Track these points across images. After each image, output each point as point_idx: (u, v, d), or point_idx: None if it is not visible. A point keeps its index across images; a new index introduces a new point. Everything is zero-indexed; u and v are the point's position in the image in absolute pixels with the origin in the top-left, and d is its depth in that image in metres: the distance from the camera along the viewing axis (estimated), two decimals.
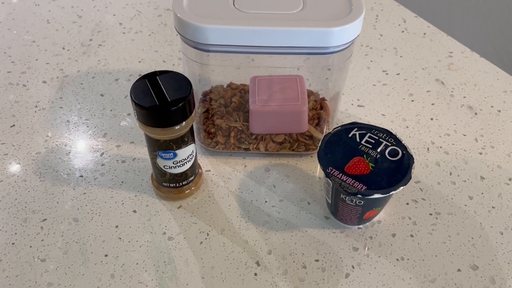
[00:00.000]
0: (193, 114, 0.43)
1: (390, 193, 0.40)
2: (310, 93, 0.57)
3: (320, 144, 0.44)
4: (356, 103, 0.61)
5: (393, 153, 0.43)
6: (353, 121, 0.48)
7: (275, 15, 0.43)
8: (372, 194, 0.40)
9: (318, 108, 0.55)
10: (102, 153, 0.54)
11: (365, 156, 0.43)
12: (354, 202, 0.42)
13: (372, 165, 0.42)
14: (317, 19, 0.42)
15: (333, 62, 0.49)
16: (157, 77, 0.42)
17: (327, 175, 0.42)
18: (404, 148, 0.44)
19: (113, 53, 0.67)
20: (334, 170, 0.42)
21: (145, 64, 0.66)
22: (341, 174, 0.42)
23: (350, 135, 0.45)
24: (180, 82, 0.42)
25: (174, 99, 0.41)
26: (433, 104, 0.61)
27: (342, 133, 0.45)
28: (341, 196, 0.42)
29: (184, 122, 0.42)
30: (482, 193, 0.51)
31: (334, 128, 0.46)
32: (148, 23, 0.72)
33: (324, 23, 0.42)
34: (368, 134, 0.45)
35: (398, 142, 0.44)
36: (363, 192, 0.40)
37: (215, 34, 0.42)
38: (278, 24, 0.42)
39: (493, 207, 0.50)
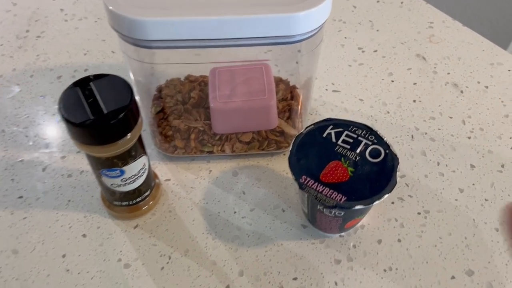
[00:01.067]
0: (138, 123, 0.36)
1: (374, 203, 0.35)
2: (279, 81, 0.50)
3: (291, 147, 0.38)
4: (330, 87, 0.55)
5: (375, 153, 0.37)
6: (328, 117, 0.41)
7: (228, 1, 0.36)
8: (353, 206, 0.35)
9: (289, 98, 0.49)
10: (45, 168, 0.47)
11: (343, 159, 0.37)
12: (333, 213, 0.37)
13: (352, 169, 0.36)
14: (279, 4, 0.35)
15: (302, 48, 0.42)
16: (91, 83, 0.35)
17: (301, 186, 0.36)
18: (386, 146, 0.38)
19: (54, 46, 0.59)
20: (308, 179, 0.36)
21: (92, 56, 0.58)
22: (316, 184, 0.36)
23: (324, 135, 0.39)
24: (119, 87, 0.35)
25: (112, 110, 0.34)
26: (415, 83, 0.55)
27: (315, 133, 0.39)
28: (318, 207, 0.37)
29: (128, 135, 0.36)
30: (473, 184, 0.46)
31: (306, 127, 0.39)
32: (94, 7, 0.64)
33: (287, 8, 0.35)
34: (345, 132, 0.39)
35: (379, 139, 0.38)
36: (343, 204, 0.35)
37: (157, 28, 0.35)
38: (232, 12, 0.34)
39: (486, 200, 0.45)
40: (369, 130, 0.39)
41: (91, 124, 0.33)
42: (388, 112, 0.52)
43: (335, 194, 0.35)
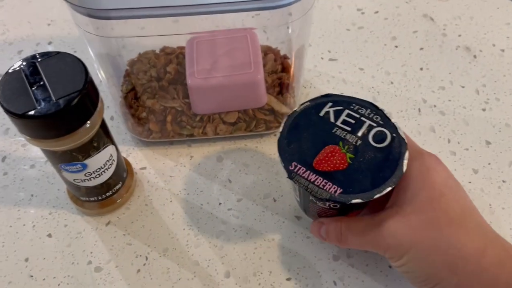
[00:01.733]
0: (99, 109, 0.31)
1: (374, 197, 0.30)
2: (267, 51, 0.44)
3: (281, 129, 0.33)
4: (327, 56, 0.49)
5: (380, 137, 0.31)
6: (326, 92, 0.35)
7: None
8: (350, 200, 0.29)
9: (279, 71, 0.43)
10: (4, 157, 0.42)
11: (341, 143, 0.31)
12: (328, 205, 0.31)
13: (351, 156, 0.31)
14: None
15: (293, 11, 0.36)
16: (37, 64, 0.29)
17: (290, 175, 0.30)
18: (394, 129, 0.32)
19: (14, 16, 0.52)
20: (299, 167, 0.30)
21: (56, 26, 0.51)
22: (308, 172, 0.30)
23: (321, 114, 0.33)
24: (71, 67, 0.29)
25: (61, 96, 0.28)
26: (421, 48, 0.49)
27: (311, 111, 0.33)
28: (311, 198, 0.32)
29: (87, 124, 0.30)
30: (489, 164, 0.41)
31: (301, 105, 0.33)
32: None
33: None
34: (346, 111, 0.33)
35: (386, 120, 0.32)
36: (337, 198, 0.29)
37: None
38: None
39: (503, 181, 0.40)
40: (375, 109, 0.33)
41: (38, 114, 0.27)
42: (392, 83, 0.46)
43: (329, 185, 0.30)
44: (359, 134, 0.31)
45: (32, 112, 0.27)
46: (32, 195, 0.39)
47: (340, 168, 0.30)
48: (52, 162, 0.33)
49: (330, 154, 0.31)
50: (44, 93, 0.28)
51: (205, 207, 0.39)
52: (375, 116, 0.32)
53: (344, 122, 0.32)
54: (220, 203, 0.39)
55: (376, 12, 0.53)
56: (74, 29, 0.51)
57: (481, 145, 0.42)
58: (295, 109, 0.33)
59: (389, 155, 0.31)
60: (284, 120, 0.33)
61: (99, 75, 0.39)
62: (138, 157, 0.41)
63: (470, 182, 0.40)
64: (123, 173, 0.37)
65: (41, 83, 0.29)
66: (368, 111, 0.33)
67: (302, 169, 0.30)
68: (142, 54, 0.43)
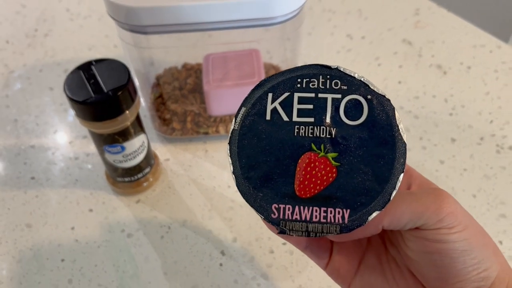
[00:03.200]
0: (136, 102, 0.40)
1: (392, 198, 0.23)
2: (270, 67, 0.54)
3: (232, 168, 0.24)
4: None
5: (354, 110, 0.23)
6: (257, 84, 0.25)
7: None
8: (366, 219, 0.23)
9: None
10: (54, 152, 0.51)
11: (313, 146, 0.23)
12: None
13: (334, 155, 0.23)
14: None
15: (287, 33, 0.45)
16: (93, 66, 0.39)
17: (279, 226, 0.23)
18: (363, 87, 0.24)
19: (61, 43, 0.63)
20: (282, 207, 0.23)
21: (96, 50, 0.62)
22: (297, 209, 0.23)
23: (268, 117, 0.24)
24: (117, 69, 0.39)
25: (111, 89, 0.37)
26: (400, 66, 0.58)
27: (254, 121, 0.24)
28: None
29: (127, 112, 0.39)
30: (453, 156, 0.49)
31: (236, 115, 0.24)
32: (97, 6, 0.68)
33: None
34: (296, 96, 0.24)
35: (347, 80, 0.24)
36: (350, 225, 0.23)
37: (149, 14, 0.38)
38: None
39: (465, 170, 0.48)
40: (327, 72, 0.24)
41: (93, 101, 0.37)
42: None
43: (331, 214, 0.23)
44: (327, 119, 0.24)
45: (88, 100, 0.37)
46: (76, 180, 0.48)
47: (331, 180, 0.23)
48: (97, 145, 0.42)
49: (309, 168, 0.23)
50: (98, 86, 0.38)
51: (217, 189, 0.47)
52: (333, 82, 0.24)
53: (301, 113, 0.24)
54: (229, 186, 0.47)
55: (363, 37, 0.62)
56: (110, 52, 0.61)
57: (447, 142, 0.50)
58: (232, 127, 0.24)
59: (377, 127, 0.23)
60: (228, 150, 0.24)
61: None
62: (163, 151, 0.50)
63: (437, 171, 0.48)
64: (151, 160, 0.46)
65: (95, 79, 0.38)
66: (321, 79, 0.24)
67: (289, 209, 0.23)
68: (167, 69, 0.53)
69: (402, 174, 0.23)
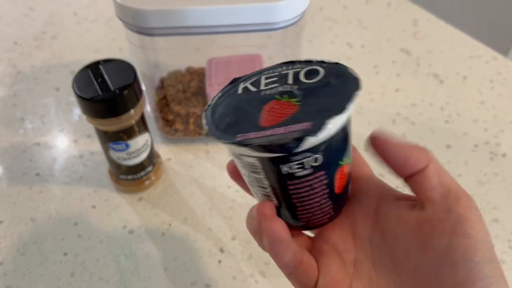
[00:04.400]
0: (141, 102, 0.41)
1: (349, 107, 0.23)
2: None
3: (204, 120, 0.26)
4: None
5: (312, 74, 0.26)
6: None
7: None
8: (324, 125, 0.22)
9: None
10: (59, 150, 0.52)
11: (278, 96, 0.26)
12: (308, 166, 0.24)
13: (296, 100, 0.25)
14: None
15: (288, 39, 0.47)
16: (100, 66, 0.40)
17: (240, 142, 0.23)
18: (320, 63, 0.27)
19: (68, 45, 0.65)
20: (245, 134, 0.24)
21: (102, 53, 0.63)
22: (261, 133, 0.24)
23: (240, 91, 0.27)
24: (124, 69, 0.40)
25: (118, 87, 0.39)
26: (398, 74, 0.60)
27: (227, 94, 0.28)
28: (283, 170, 0.24)
29: (132, 111, 0.41)
30: (448, 162, 0.50)
31: (213, 98, 0.28)
32: (103, 11, 0.70)
33: None
34: (263, 77, 0.27)
35: (307, 62, 0.27)
36: (312, 129, 0.22)
37: (156, 17, 0.40)
38: (219, 2, 0.40)
39: (459, 175, 0.49)
40: (290, 63, 0.28)
41: (101, 98, 0.38)
42: (372, 100, 0.57)
43: (292, 128, 0.23)
44: (289, 81, 0.26)
45: (95, 98, 0.38)
46: (80, 177, 0.49)
47: (293, 111, 0.24)
48: (102, 142, 0.43)
49: (272, 108, 0.25)
50: (105, 85, 0.39)
51: (218, 189, 0.48)
52: (294, 66, 0.27)
53: (266, 84, 0.27)
54: (229, 186, 0.48)
55: (362, 46, 0.64)
56: (115, 55, 0.63)
57: (442, 148, 0.52)
58: (208, 104, 0.28)
59: (332, 77, 0.25)
60: (203, 116, 0.27)
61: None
62: (165, 151, 0.52)
63: None
64: (154, 159, 0.47)
65: (103, 78, 0.39)
66: (284, 66, 0.27)
67: (252, 134, 0.24)
68: (172, 72, 0.55)
69: (359, 92, 0.24)
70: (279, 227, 0.25)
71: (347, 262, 0.27)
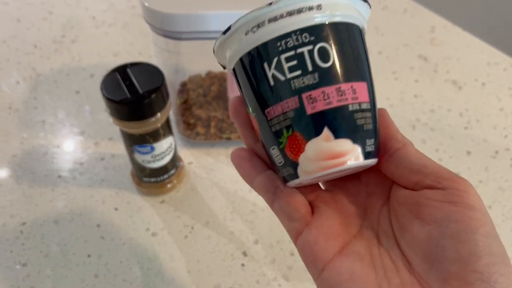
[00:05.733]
0: (167, 105, 0.42)
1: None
2: None
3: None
4: None
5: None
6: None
7: None
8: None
9: None
10: (80, 152, 0.52)
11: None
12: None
13: None
14: None
15: None
16: (128, 69, 0.41)
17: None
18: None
19: (87, 48, 0.65)
20: None
21: (121, 57, 0.64)
22: None
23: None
24: (152, 73, 0.41)
25: (146, 90, 0.39)
26: (416, 81, 0.60)
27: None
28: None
29: (158, 114, 0.41)
30: (468, 168, 0.50)
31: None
32: (122, 15, 0.70)
33: None
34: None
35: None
36: None
37: (184, 21, 0.40)
38: (248, 7, 0.40)
39: (480, 181, 0.49)
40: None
41: (129, 101, 0.38)
42: (391, 106, 0.57)
43: None
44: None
45: (124, 100, 0.39)
46: (102, 180, 0.50)
47: None
48: (128, 145, 0.44)
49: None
50: (133, 88, 0.39)
51: (239, 193, 0.48)
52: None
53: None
54: (250, 190, 0.49)
55: (380, 52, 0.64)
56: (134, 59, 0.63)
57: (462, 154, 0.52)
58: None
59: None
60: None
61: None
62: (186, 155, 0.52)
63: None
64: (177, 162, 0.48)
65: (131, 81, 0.40)
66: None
67: None
68: (192, 76, 0.55)
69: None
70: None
71: (352, 224, 0.26)
